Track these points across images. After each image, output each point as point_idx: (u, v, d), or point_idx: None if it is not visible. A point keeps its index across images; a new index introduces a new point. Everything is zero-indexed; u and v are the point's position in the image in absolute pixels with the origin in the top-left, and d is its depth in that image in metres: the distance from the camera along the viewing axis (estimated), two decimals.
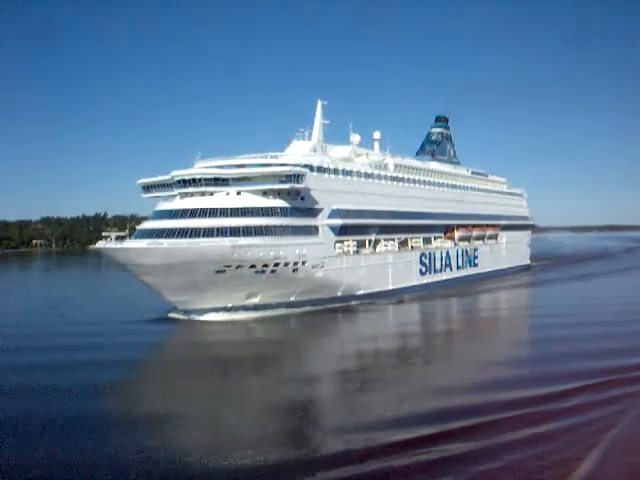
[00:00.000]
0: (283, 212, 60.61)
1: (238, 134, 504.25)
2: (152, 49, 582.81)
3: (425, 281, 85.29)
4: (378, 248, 76.56)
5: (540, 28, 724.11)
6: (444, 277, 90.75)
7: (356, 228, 70.86)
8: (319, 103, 74.44)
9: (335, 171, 69.40)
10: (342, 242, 69.22)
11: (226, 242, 54.95)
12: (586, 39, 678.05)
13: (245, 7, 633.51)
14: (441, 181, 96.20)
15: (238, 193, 59.64)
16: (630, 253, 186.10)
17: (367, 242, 74.32)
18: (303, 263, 61.40)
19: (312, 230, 64.29)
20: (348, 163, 74.22)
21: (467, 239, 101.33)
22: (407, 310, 71.01)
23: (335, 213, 67.53)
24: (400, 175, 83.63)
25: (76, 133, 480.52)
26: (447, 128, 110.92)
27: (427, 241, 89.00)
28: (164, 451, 24.87)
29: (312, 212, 64.73)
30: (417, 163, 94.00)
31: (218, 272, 55.39)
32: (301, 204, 63.20)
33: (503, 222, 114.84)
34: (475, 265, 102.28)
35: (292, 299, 62.28)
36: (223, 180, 59.69)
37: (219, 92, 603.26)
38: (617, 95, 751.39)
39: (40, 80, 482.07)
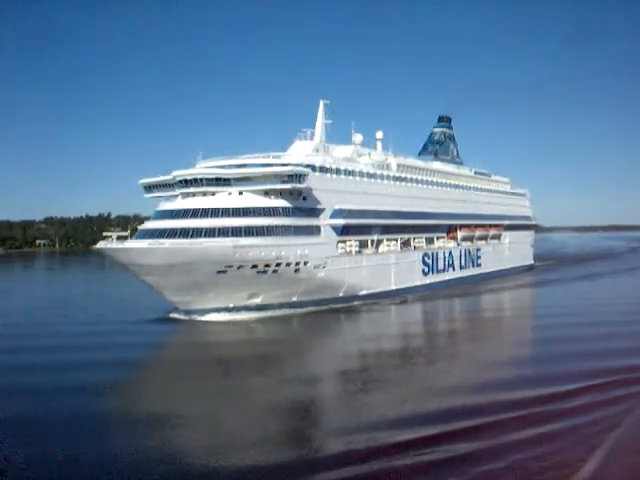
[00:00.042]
0: (285, 212, 60.41)
1: (239, 134, 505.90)
2: (152, 49, 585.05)
3: (428, 281, 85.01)
4: (380, 248, 76.30)
5: (540, 28, 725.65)
6: (447, 277, 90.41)
7: (358, 228, 70.63)
8: (321, 103, 74.27)
9: (337, 171, 69.19)
10: (344, 242, 68.99)
11: (228, 242, 54.80)
12: (586, 39, 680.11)
13: (245, 7, 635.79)
14: (444, 181, 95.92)
15: (240, 193, 59.52)
16: (634, 253, 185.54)
17: (369, 242, 74.12)
18: (305, 263, 61.19)
19: (314, 230, 64.07)
20: (350, 163, 74.00)
21: (470, 239, 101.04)
22: (410, 310, 70.75)
23: (337, 213, 67.30)
24: (403, 175, 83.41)
25: (77, 133, 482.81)
26: (450, 128, 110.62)
27: (430, 241, 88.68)
28: (164, 451, 24.72)
29: (314, 212, 64.53)
30: (420, 163, 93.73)
31: (220, 272, 55.23)
32: (303, 204, 63.00)
33: (506, 222, 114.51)
34: (478, 265, 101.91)
35: (294, 299, 62.07)
36: (225, 180, 59.53)
37: (220, 92, 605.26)
38: (617, 95, 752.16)
39: (40, 80, 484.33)
